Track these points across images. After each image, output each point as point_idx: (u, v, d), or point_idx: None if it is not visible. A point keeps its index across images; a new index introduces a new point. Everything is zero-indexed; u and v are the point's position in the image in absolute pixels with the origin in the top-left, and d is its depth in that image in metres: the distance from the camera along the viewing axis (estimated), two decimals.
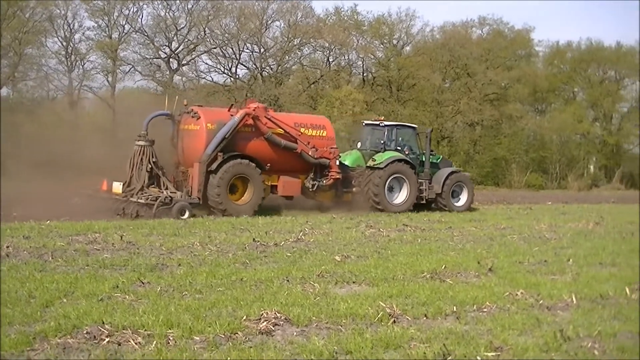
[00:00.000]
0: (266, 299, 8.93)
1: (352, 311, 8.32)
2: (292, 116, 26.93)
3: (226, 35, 50.58)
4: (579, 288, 10.14)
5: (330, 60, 58.07)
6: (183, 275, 10.41)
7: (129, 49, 48.26)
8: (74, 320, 7.47)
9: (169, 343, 6.90)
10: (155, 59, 49.26)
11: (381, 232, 17.71)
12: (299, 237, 15.80)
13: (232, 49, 51.71)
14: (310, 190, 25.10)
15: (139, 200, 20.69)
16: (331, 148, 25.38)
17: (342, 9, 58.85)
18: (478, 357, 6.62)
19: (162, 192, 21.42)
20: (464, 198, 28.15)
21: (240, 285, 9.86)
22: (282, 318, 7.89)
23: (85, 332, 7.11)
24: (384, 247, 14.66)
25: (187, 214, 20.75)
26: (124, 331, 7.19)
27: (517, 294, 9.50)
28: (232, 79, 52.83)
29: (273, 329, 7.55)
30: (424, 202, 27.14)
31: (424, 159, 27.91)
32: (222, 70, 52.61)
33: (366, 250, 14.03)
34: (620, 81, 79.99)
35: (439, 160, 29.36)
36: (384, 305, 8.51)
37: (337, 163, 25.62)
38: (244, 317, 7.85)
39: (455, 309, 8.60)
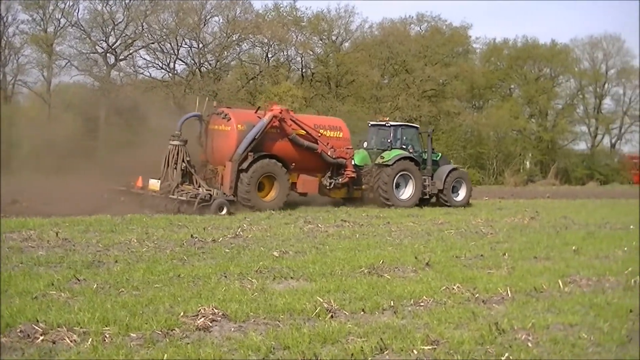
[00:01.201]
0: (204, 295, 8.89)
1: (290, 306, 8.32)
2: (311, 118, 28.32)
3: (164, 30, 50.17)
4: (514, 281, 10.29)
5: (269, 56, 58.00)
6: (120, 272, 10.30)
7: (65, 43, 47.65)
8: (7, 319, 7.32)
9: (104, 340, 6.82)
10: (92, 54, 48.62)
11: (319, 227, 17.75)
12: (237, 233, 15.74)
13: (170, 44, 51.32)
14: (328, 188, 26.42)
15: (180, 197, 21.54)
16: (347, 148, 26.78)
17: (281, 5, 59.03)
18: (414, 351, 6.67)
19: (199, 190, 22.33)
20: (462, 193, 29.80)
21: (178, 281, 9.81)
22: (220, 314, 7.85)
23: (19, 330, 6.97)
24: (322, 242, 14.69)
25: (224, 210, 21.59)
26: (58, 329, 7.06)
27: (453, 288, 9.60)
28: (170, 74, 52.44)
29: (211, 325, 7.52)
30: (426, 197, 28.79)
31: (425, 157, 29.50)
32: (160, 65, 52.21)
33: (304, 245, 14.05)
34: (555, 78, 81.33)
35: (438, 158, 30.88)
36: (322, 300, 8.54)
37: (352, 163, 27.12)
38: (182, 314, 7.80)
39: (392, 304, 8.66)
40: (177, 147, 23.22)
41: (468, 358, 6.57)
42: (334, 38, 63.01)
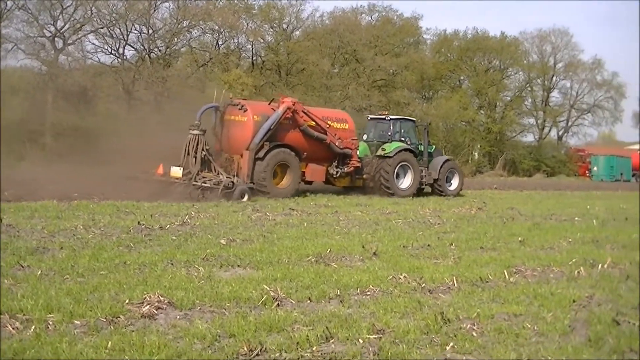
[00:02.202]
0: (150, 282, 8.84)
1: (236, 294, 8.31)
2: (319, 110, 29.57)
3: (114, 15, 49.48)
4: (460, 271, 10.37)
5: (220, 43, 57.72)
6: (65, 259, 10.20)
7: (12, 26, 46.71)
8: None
9: (48, 328, 6.75)
10: (39, 38, 47.77)
11: (267, 216, 17.74)
12: (185, 221, 15.69)
13: (119, 29, 50.64)
14: (334, 176, 28.28)
15: (204, 185, 22.87)
16: (352, 139, 28.82)
17: None
18: (360, 340, 6.69)
19: (220, 177, 23.56)
20: (455, 183, 31.83)
21: (124, 268, 9.73)
22: (166, 302, 7.81)
23: None
24: (270, 230, 14.69)
25: (246, 197, 22.94)
26: (1, 316, 6.98)
27: (400, 278, 9.64)
28: (119, 59, 51.82)
29: (156, 312, 7.48)
30: (422, 187, 30.52)
31: (422, 149, 31.12)
32: (110, 50, 51.51)
33: (252, 233, 14.03)
34: (504, 70, 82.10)
35: (432, 150, 32.49)
36: (269, 288, 8.53)
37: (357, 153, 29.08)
38: (127, 301, 7.76)
39: (339, 293, 8.68)
40: (197, 137, 24.32)
41: (413, 347, 6.60)
42: (284, 26, 62.91)
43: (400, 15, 70.87)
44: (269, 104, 26.83)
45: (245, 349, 6.28)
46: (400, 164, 29.29)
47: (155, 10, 51.65)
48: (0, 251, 10.65)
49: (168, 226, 14.67)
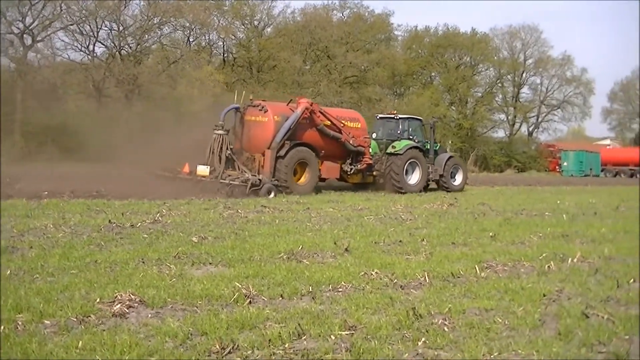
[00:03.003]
0: (121, 281, 8.78)
1: (208, 292, 8.28)
2: (333, 110, 31.16)
3: (83, 11, 49.30)
4: (432, 267, 10.40)
5: (191, 40, 57.71)
6: (34, 258, 10.11)
7: None
8: None
9: (17, 328, 6.68)
10: (7, 34, 47.46)
11: (239, 213, 17.69)
12: (156, 219, 15.61)
13: (89, 26, 50.55)
14: (348, 173, 29.75)
15: (233, 182, 24.00)
16: (365, 137, 30.14)
17: None
18: (332, 336, 6.70)
19: (245, 175, 24.70)
20: (459, 178, 33.70)
21: (95, 267, 9.66)
22: (137, 300, 7.77)
23: None
24: (242, 228, 14.64)
25: (272, 194, 24.17)
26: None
27: (372, 274, 9.66)
28: (89, 57, 51.60)
29: (127, 311, 7.43)
30: (428, 183, 32.23)
31: (428, 147, 33.01)
32: (80, 47, 51.32)
33: (224, 231, 13.98)
34: (475, 67, 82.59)
35: (437, 147, 34.14)
36: (240, 286, 8.51)
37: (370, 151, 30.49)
38: (98, 300, 7.70)
39: (311, 289, 8.68)
40: (221, 136, 25.67)
41: (385, 343, 6.62)
42: (256, 23, 62.95)
43: (371, 11, 71.22)
44: (287, 104, 27.99)
45: (217, 346, 6.26)
46: (409, 161, 30.69)
47: (125, 7, 51.63)
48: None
49: (139, 224, 14.58)
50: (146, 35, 53.18)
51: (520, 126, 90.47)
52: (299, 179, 27.07)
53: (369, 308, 7.88)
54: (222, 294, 8.23)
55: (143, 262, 10.14)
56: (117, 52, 51.82)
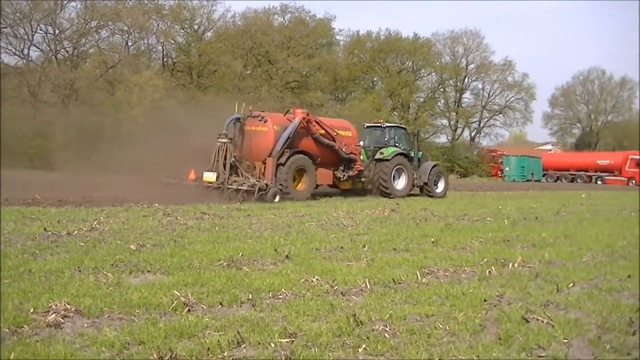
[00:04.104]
0: (56, 290, 8.66)
1: (146, 301, 8.21)
2: (326, 120, 32.58)
3: (18, 14, 48.56)
4: (373, 273, 10.44)
5: (129, 44, 57.23)
6: None
7: None
8: None
9: None
10: None
11: (178, 220, 17.58)
12: (94, 226, 15.42)
13: (24, 29, 49.77)
14: (341, 180, 31.44)
15: (241, 187, 25.78)
16: (356, 145, 32.00)
17: None
18: (272, 344, 6.69)
19: (251, 180, 26.39)
20: (441, 186, 35.40)
21: (29, 276, 9.51)
22: (72, 310, 7.66)
23: None
24: (181, 235, 14.55)
25: (277, 198, 25.80)
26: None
27: (312, 281, 9.67)
28: (24, 61, 50.84)
29: (62, 321, 7.32)
30: (411, 189, 33.78)
31: (412, 154, 34.78)
32: (14, 51, 50.53)
33: (162, 238, 13.88)
34: (417, 72, 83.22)
35: (420, 155, 35.77)
36: (179, 294, 8.46)
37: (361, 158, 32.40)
38: (31, 310, 7.58)
39: (250, 297, 8.66)
40: (225, 145, 27.37)
41: (325, 350, 6.63)
42: (196, 27, 62.69)
43: (312, 16, 71.33)
44: (284, 115, 29.82)
45: (155, 355, 6.22)
46: (396, 167, 32.65)
47: (61, 10, 50.99)
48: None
49: (76, 232, 14.40)
50: (83, 39, 52.65)
51: (462, 131, 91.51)
52: (297, 185, 28.54)
53: (310, 315, 7.89)
54: (160, 303, 8.17)
55: (79, 271, 10.01)
56: (53, 56, 51.18)
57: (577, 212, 25.58)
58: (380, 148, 33.29)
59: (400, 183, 33.05)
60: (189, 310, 7.94)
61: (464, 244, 14.35)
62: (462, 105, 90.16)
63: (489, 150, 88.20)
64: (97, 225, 15.64)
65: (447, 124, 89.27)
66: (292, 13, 70.75)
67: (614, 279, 10.72)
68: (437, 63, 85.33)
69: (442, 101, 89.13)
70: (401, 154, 33.20)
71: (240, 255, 11.72)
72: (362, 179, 32.48)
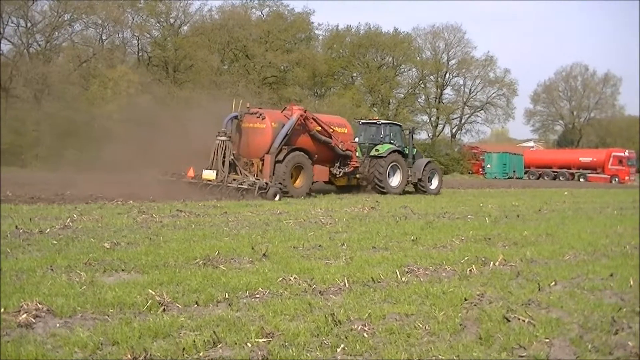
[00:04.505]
0: (27, 289, 8.61)
1: (120, 300, 8.18)
2: (322, 116, 32.53)
3: None
4: (352, 272, 10.46)
5: (104, 38, 56.88)
6: None
7: None
8: None
9: None
10: None
11: (154, 218, 17.50)
12: (67, 224, 15.33)
13: None
14: (338, 176, 32.13)
15: (241, 186, 26.26)
16: (352, 142, 32.59)
17: None
18: (249, 344, 6.69)
19: (250, 178, 26.92)
20: (435, 182, 36.08)
21: None
22: (44, 309, 7.61)
23: None
24: (156, 233, 14.50)
25: (278, 197, 25.98)
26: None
27: (290, 279, 9.67)
28: None
29: (34, 321, 7.28)
30: (405, 185, 34.51)
31: (407, 151, 35.26)
32: None
33: (137, 236, 13.83)
34: (397, 67, 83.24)
35: (415, 152, 36.46)
36: (154, 293, 8.43)
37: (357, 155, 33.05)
38: (2, 310, 7.53)
39: (227, 296, 8.64)
40: (224, 143, 27.76)
41: (303, 350, 6.63)
42: (172, 21, 62.45)
43: (291, 10, 71.18)
44: (282, 112, 30.30)
45: (129, 356, 6.20)
46: (392, 164, 33.23)
47: (34, 3, 50.53)
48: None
49: (48, 230, 14.32)
50: (56, 33, 52.35)
51: (443, 128, 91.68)
52: (295, 182, 28.98)
53: (287, 314, 7.89)
54: (134, 302, 8.14)
55: (52, 270, 9.96)
56: (25, 50, 50.88)
57: (559, 210, 25.72)
58: (376, 145, 33.89)
59: (395, 180, 33.68)
60: (164, 309, 7.92)
61: (445, 242, 14.41)
62: (443, 101, 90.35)
63: (470, 147, 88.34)
64: (70, 223, 15.55)
65: (428, 120, 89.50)
66: (270, 7, 70.74)
67: (596, 277, 10.80)
68: (418, 58, 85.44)
69: (423, 97, 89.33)
70: (396, 150, 33.79)
71: (216, 253, 11.71)
72: (357, 176, 33.12)
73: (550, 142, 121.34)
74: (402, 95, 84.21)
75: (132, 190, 24.40)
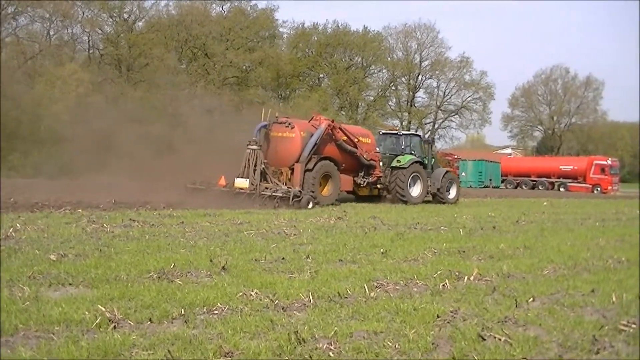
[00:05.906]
0: None
1: (67, 316, 8.11)
2: (348, 127, 34.75)
3: None
4: (317, 286, 10.45)
5: (52, 33, 56.49)
6: None
7: None
8: None
9: None
10: None
11: (105, 227, 17.40)
12: (9, 234, 15.17)
13: None
14: (362, 185, 34.25)
15: (275, 194, 27.82)
16: (375, 152, 34.64)
17: None
18: None
19: (284, 187, 28.75)
20: (453, 192, 38.30)
21: None
22: None
23: None
24: (107, 244, 14.40)
25: (310, 205, 27.75)
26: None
27: (251, 294, 9.64)
28: None
29: None
30: (425, 195, 36.59)
31: (426, 162, 37.30)
32: None
33: (86, 248, 13.72)
34: (366, 68, 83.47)
35: (433, 162, 38.77)
36: (104, 309, 8.37)
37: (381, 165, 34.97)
38: None
39: (183, 312, 8.61)
40: (255, 152, 29.46)
41: None
42: (125, 16, 62.28)
43: (254, 6, 71.44)
44: (309, 121, 32.15)
45: None
46: (412, 175, 35.41)
47: None
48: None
49: None
50: None
51: None
52: (323, 190, 31.14)
53: (247, 332, 7.87)
54: (82, 319, 8.08)
55: None
56: None
57: (538, 221, 25.88)
58: (396, 155, 35.98)
59: (416, 190, 35.81)
60: (114, 327, 7.87)
61: (416, 255, 14.43)
62: (416, 104, 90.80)
63: (444, 153, 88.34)
64: (13, 233, 15.40)
65: (399, 125, 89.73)
66: (231, 2, 70.70)
67: (576, 293, 10.87)
68: (389, 59, 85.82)
69: (394, 100, 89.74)
70: (417, 161, 35.85)
71: (172, 266, 11.65)
72: (379, 186, 35.14)
73: (529, 149, 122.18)
74: (372, 98, 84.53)
75: (47, 197, 24.66)
